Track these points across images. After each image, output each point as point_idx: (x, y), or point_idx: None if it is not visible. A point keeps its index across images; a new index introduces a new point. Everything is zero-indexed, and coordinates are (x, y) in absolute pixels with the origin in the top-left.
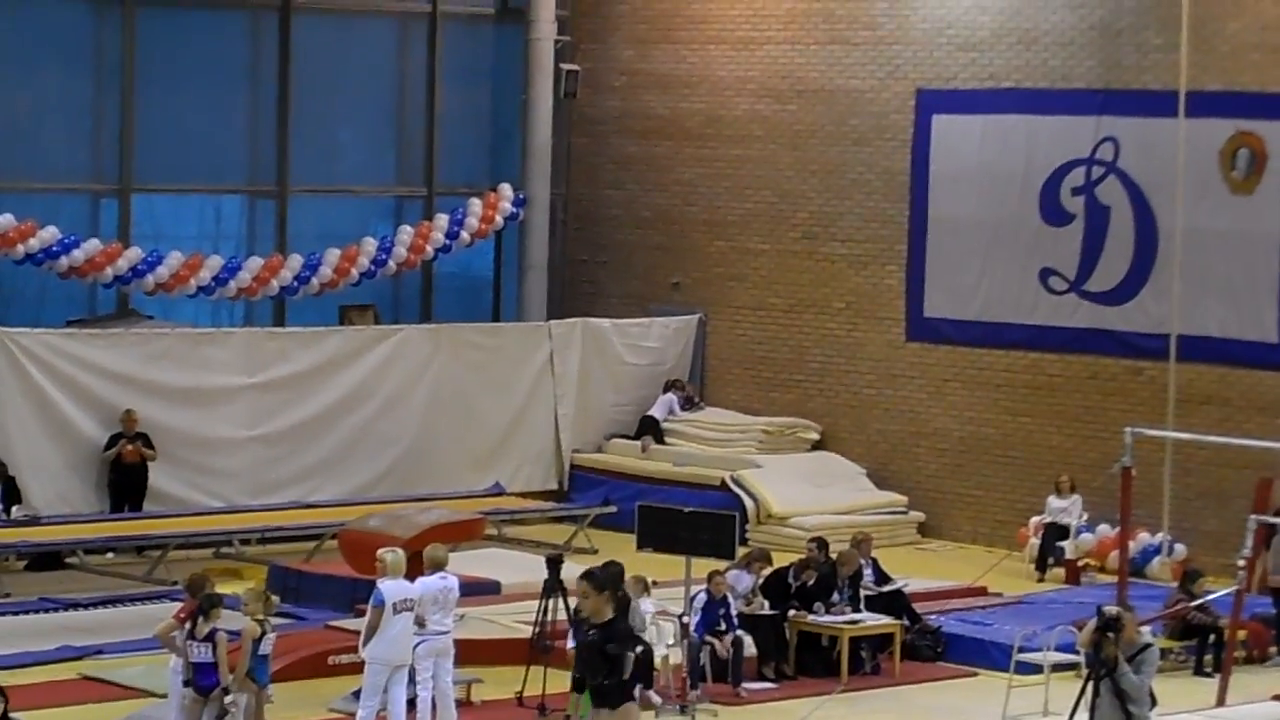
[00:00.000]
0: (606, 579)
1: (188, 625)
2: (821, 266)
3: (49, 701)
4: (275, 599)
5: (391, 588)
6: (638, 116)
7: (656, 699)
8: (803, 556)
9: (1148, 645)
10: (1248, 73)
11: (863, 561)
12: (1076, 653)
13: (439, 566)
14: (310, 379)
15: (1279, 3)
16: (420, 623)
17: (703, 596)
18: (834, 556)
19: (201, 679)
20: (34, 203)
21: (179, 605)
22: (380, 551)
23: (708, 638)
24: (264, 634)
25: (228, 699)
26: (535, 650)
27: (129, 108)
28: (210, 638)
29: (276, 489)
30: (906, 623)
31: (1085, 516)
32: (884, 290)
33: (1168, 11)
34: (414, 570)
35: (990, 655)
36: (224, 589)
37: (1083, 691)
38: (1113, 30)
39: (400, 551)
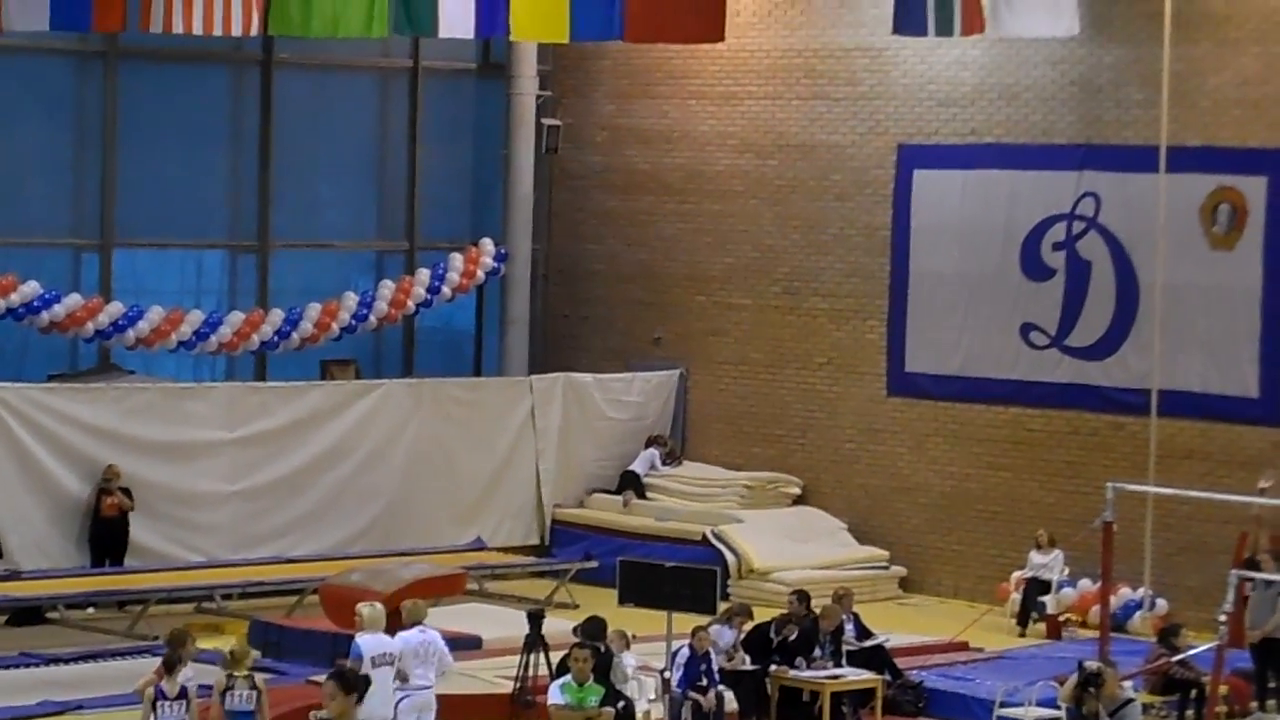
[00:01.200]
0: (354, 680)
1: (159, 684)
2: (802, 321)
3: None
4: (253, 654)
5: (369, 642)
6: (619, 171)
7: None
8: (784, 611)
9: (1129, 700)
10: (1228, 128)
11: (844, 616)
12: (1058, 708)
13: (418, 621)
14: (291, 434)
15: (1259, 58)
16: (403, 678)
17: (685, 652)
18: (816, 611)
19: None
20: (15, 257)
21: (160, 660)
22: (359, 606)
23: (689, 693)
24: (230, 689)
25: None
26: (516, 705)
27: (111, 162)
28: (182, 695)
29: (258, 544)
30: (888, 678)
31: (1066, 571)
32: (865, 345)
33: (1148, 67)
34: (396, 625)
35: (972, 710)
36: (205, 644)
37: None
38: (1093, 86)
39: (379, 606)
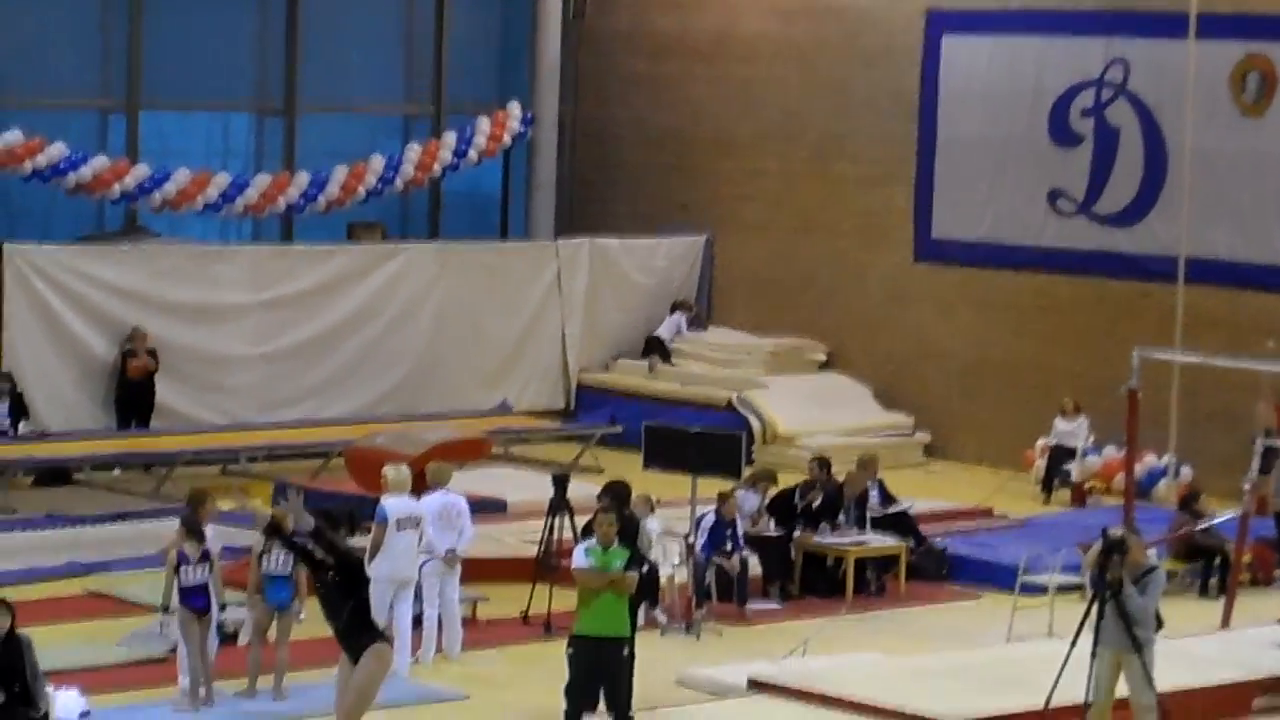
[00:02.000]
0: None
1: (181, 547)
2: (830, 187)
3: (55, 617)
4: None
5: (395, 504)
6: (646, 35)
7: (662, 618)
8: (807, 477)
9: (1153, 568)
10: None
11: (869, 482)
12: (1082, 574)
13: (442, 484)
14: (317, 297)
15: None
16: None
17: (710, 517)
18: (839, 477)
19: (192, 600)
20: (42, 119)
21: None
22: (384, 469)
23: (714, 558)
24: (266, 552)
25: (222, 615)
26: (541, 568)
27: (137, 24)
28: (205, 558)
29: (283, 406)
30: (912, 544)
31: (1092, 439)
32: (892, 211)
33: None
34: (421, 488)
35: (995, 577)
36: (229, 506)
37: (1087, 613)
38: None
39: (404, 468)
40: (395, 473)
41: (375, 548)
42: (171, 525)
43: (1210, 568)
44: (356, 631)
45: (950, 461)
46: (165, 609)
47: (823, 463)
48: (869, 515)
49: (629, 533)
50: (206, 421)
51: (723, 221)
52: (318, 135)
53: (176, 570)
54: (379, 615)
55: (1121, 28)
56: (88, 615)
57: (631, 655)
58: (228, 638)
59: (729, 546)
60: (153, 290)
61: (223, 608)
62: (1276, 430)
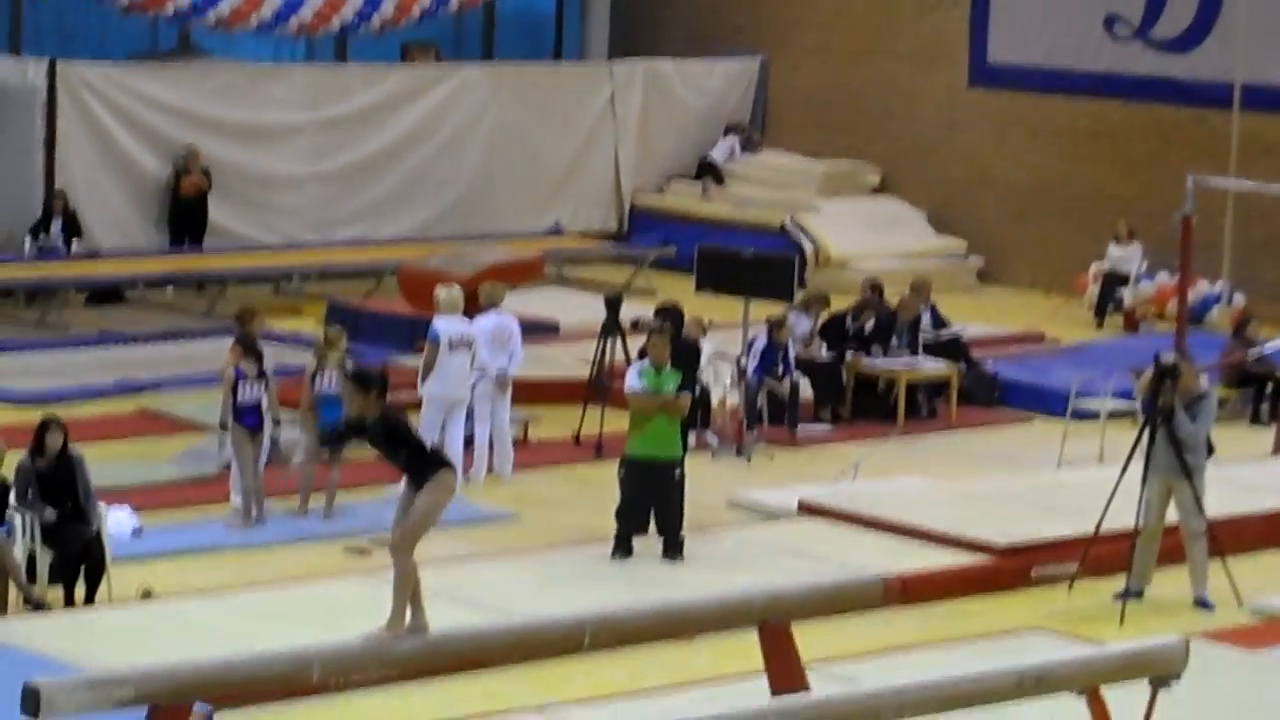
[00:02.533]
0: (369, 378)
1: (238, 365)
2: (884, 9)
3: (108, 435)
4: (343, 342)
5: (447, 325)
6: None
7: (713, 440)
8: (859, 299)
9: (1205, 394)
10: None
11: (921, 307)
12: (1133, 400)
13: (495, 304)
14: (371, 116)
15: None
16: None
17: (761, 340)
18: (892, 302)
19: (245, 419)
20: None
21: (234, 341)
22: (437, 289)
23: (765, 380)
24: (320, 371)
25: (276, 430)
26: (593, 390)
27: None
28: (261, 375)
29: (336, 226)
30: (964, 368)
31: (1145, 264)
32: (947, 34)
33: None
34: (473, 309)
35: (1046, 401)
36: (282, 326)
37: (1139, 439)
38: None
39: (456, 288)
40: (447, 293)
41: (427, 368)
42: (223, 344)
43: (1262, 394)
44: (419, 469)
45: (1003, 286)
46: (223, 426)
47: (875, 287)
48: (921, 339)
49: (682, 355)
50: (259, 241)
51: (777, 44)
52: None
53: (234, 387)
54: (430, 434)
55: None
56: (139, 434)
57: (682, 477)
58: (281, 456)
59: (780, 370)
60: (206, 109)
61: (277, 424)
62: None
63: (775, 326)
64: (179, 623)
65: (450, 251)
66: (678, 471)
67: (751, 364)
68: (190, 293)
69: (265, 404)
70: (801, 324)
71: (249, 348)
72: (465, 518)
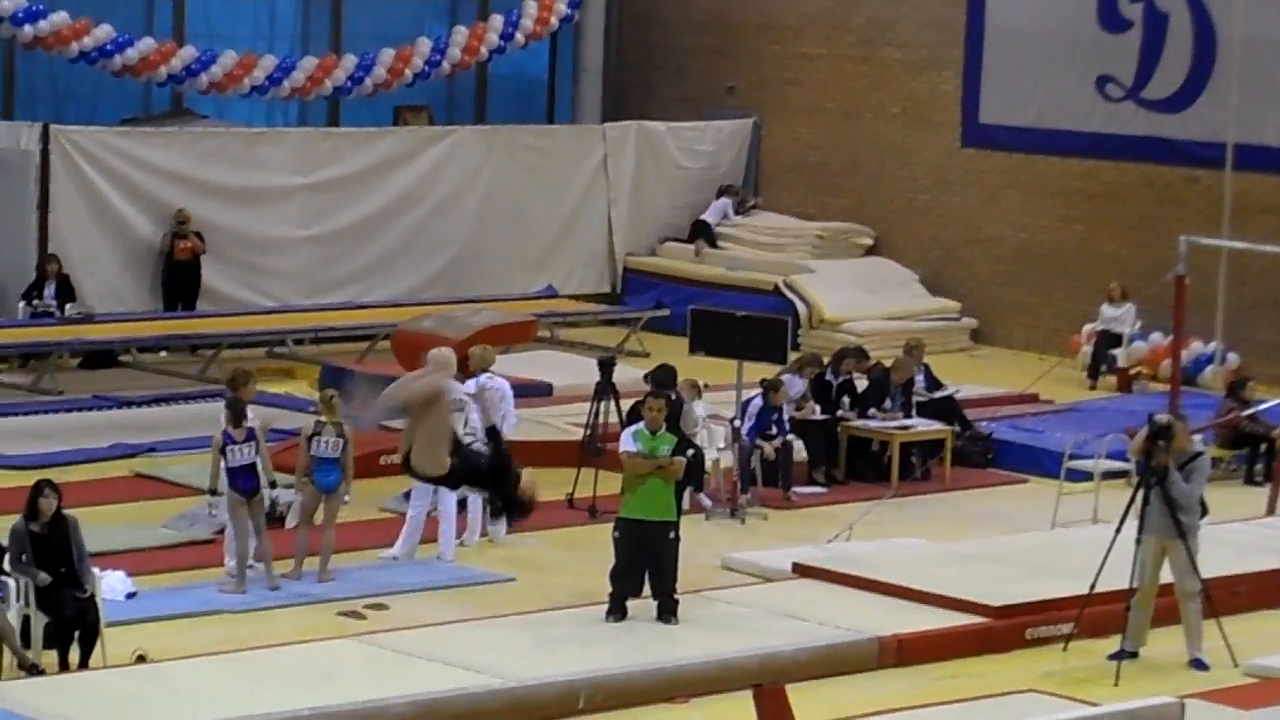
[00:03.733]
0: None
1: (226, 429)
2: (877, 71)
3: (101, 498)
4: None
5: None
6: None
7: (707, 502)
8: (833, 353)
9: (1199, 454)
10: None
11: (915, 368)
12: (1127, 460)
13: (486, 367)
14: (364, 179)
15: None
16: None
17: (757, 401)
18: (886, 363)
19: (240, 482)
20: (88, 0)
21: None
22: (430, 352)
23: (759, 442)
24: (316, 434)
25: (273, 492)
26: (587, 452)
27: None
28: (249, 438)
29: (330, 289)
30: (958, 429)
31: (1138, 325)
32: (940, 95)
33: None
34: (465, 373)
35: (1041, 462)
36: (275, 389)
37: (1133, 499)
38: None
39: (448, 350)
40: (439, 355)
41: None
42: (217, 407)
43: (1256, 454)
44: (502, 483)
45: (996, 347)
46: (213, 492)
47: (859, 352)
48: (915, 400)
49: (675, 417)
50: (252, 304)
51: (770, 105)
52: (364, 17)
53: (222, 452)
54: (423, 498)
55: None
56: (134, 497)
57: (677, 539)
58: (276, 519)
59: (774, 431)
60: (199, 172)
61: (273, 485)
62: None
63: (770, 388)
64: (173, 687)
65: (443, 314)
66: (672, 533)
67: (746, 425)
68: (184, 356)
69: (260, 466)
70: (795, 385)
71: (236, 412)
72: (462, 581)
